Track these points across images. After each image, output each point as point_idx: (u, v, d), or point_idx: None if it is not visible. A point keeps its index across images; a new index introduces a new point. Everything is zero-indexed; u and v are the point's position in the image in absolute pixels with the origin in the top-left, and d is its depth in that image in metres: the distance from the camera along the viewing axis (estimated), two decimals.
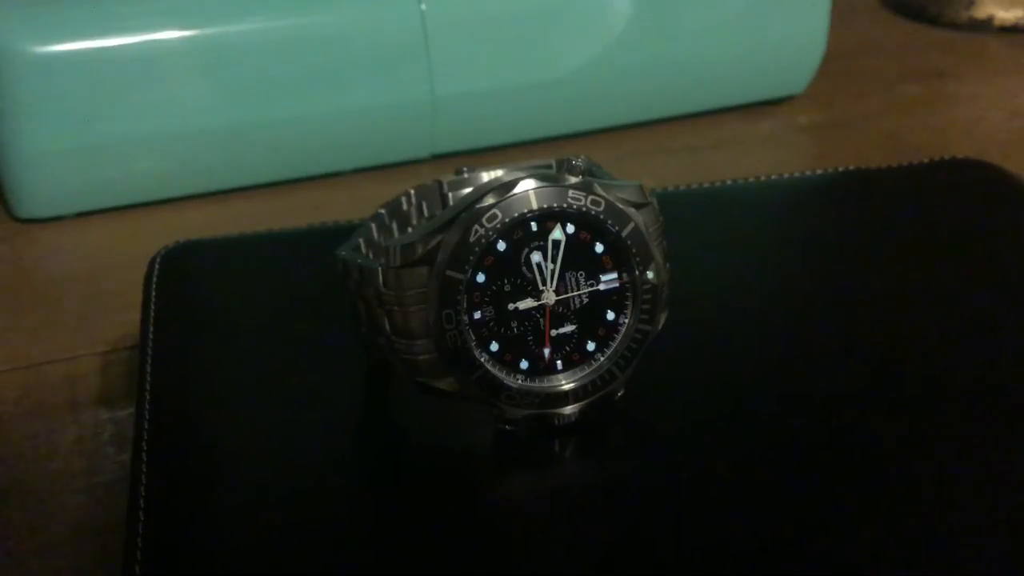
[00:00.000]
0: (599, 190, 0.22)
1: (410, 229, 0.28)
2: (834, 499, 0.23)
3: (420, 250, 0.21)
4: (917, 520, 0.22)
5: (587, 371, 0.23)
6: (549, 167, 0.26)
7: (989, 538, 0.22)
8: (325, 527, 0.22)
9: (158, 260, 0.32)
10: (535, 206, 0.21)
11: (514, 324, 0.22)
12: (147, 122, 0.41)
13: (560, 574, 0.21)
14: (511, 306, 0.22)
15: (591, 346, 0.23)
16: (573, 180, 0.22)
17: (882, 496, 0.23)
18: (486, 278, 0.22)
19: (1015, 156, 0.44)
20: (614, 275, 0.23)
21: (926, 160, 0.36)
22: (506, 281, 0.22)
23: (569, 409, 0.23)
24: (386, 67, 0.43)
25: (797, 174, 0.36)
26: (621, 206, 0.22)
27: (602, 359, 0.23)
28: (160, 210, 0.43)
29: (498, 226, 0.21)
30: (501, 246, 0.22)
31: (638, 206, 0.23)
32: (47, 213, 0.42)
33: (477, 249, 0.21)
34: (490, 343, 0.22)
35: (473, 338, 0.22)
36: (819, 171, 0.37)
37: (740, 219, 0.34)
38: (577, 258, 0.22)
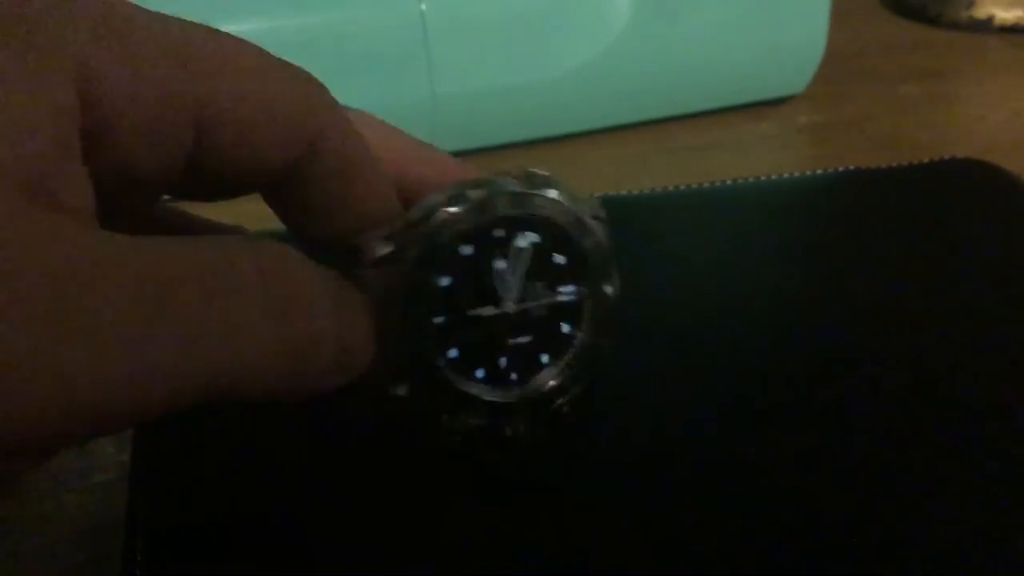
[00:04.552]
0: (565, 201, 0.22)
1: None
2: (832, 500, 0.23)
3: (385, 250, 0.21)
4: (915, 520, 0.22)
5: (540, 383, 0.23)
6: (513, 176, 0.24)
7: (989, 539, 0.22)
8: (325, 528, 0.22)
9: None
10: (503, 213, 0.21)
11: (472, 331, 0.22)
12: None
13: None
14: (471, 312, 0.21)
15: (544, 358, 0.23)
16: (541, 189, 0.21)
17: (881, 497, 0.23)
18: (450, 283, 0.21)
19: (1015, 156, 0.44)
20: (572, 287, 0.22)
21: (926, 160, 0.36)
22: (469, 287, 0.21)
23: (520, 420, 0.23)
24: (386, 67, 0.43)
25: (797, 174, 0.36)
26: (585, 219, 0.22)
27: (555, 371, 0.23)
28: None
29: (465, 230, 0.21)
30: (467, 251, 0.21)
31: (596, 220, 0.22)
32: None
33: (444, 253, 0.21)
34: (449, 349, 0.21)
35: (434, 343, 0.21)
36: (819, 171, 0.37)
37: (740, 219, 0.34)
38: (538, 268, 0.22)
